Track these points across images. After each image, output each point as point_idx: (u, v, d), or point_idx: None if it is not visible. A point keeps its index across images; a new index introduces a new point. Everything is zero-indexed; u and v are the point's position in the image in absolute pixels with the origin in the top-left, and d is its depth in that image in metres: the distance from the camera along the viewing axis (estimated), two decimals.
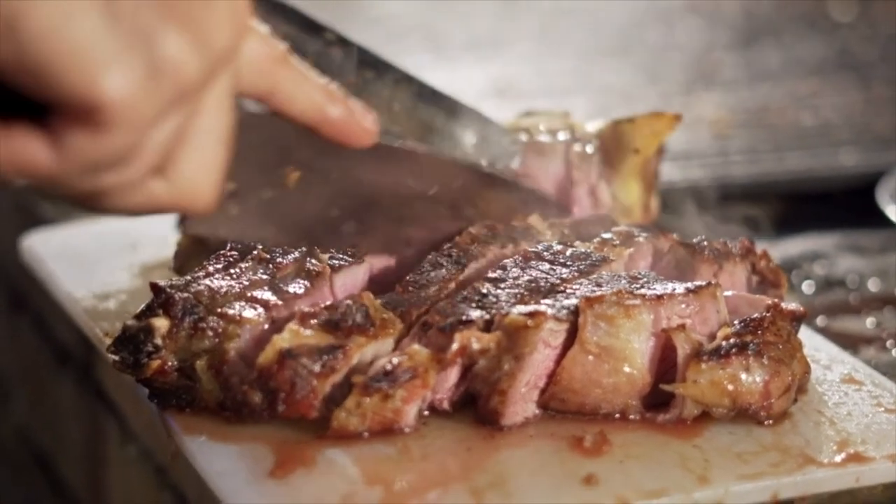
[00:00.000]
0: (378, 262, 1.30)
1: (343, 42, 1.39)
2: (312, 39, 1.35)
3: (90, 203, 0.98)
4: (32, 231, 1.63)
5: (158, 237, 1.54)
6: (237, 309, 1.19)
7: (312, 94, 1.06)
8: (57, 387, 1.78)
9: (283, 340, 1.15)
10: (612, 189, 1.46)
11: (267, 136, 1.14)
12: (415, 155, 1.28)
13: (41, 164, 0.92)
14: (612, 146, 1.45)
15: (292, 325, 1.16)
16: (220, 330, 1.18)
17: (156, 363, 1.18)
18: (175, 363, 1.18)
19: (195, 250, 1.36)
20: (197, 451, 1.15)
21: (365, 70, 1.33)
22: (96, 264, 1.50)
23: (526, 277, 1.24)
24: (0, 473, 2.13)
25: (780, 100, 2.22)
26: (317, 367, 1.14)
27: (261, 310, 1.20)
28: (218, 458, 1.14)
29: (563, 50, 2.53)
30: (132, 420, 1.48)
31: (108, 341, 1.24)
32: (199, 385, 1.18)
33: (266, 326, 1.19)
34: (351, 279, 1.27)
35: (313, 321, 1.17)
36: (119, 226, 1.63)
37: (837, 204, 1.85)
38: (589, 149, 1.45)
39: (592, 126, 1.48)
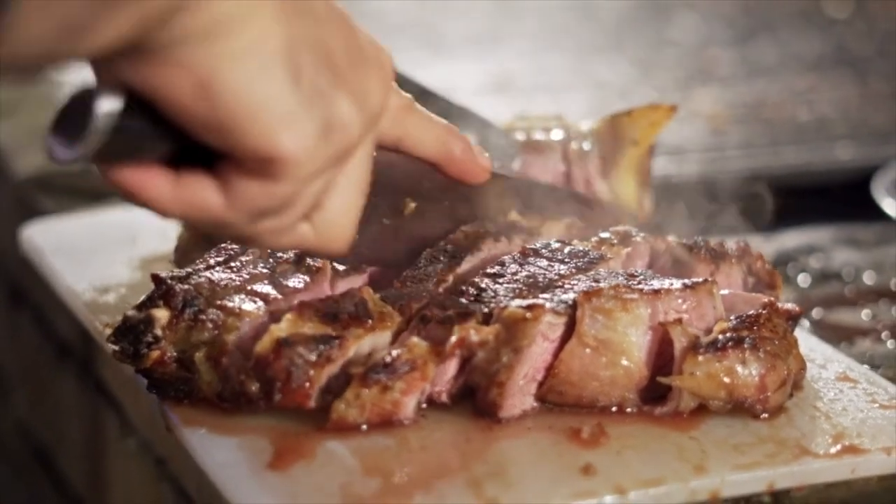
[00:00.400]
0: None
1: None
2: None
3: (248, 243, 1.07)
4: (32, 224, 1.63)
5: (158, 230, 1.55)
6: (237, 302, 1.20)
7: (439, 136, 1.17)
8: (57, 382, 1.79)
9: (280, 330, 1.16)
10: (609, 184, 1.47)
11: (389, 175, 1.22)
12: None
13: (213, 208, 1.00)
14: (610, 141, 1.46)
15: (290, 316, 1.17)
16: (219, 322, 1.19)
17: (155, 354, 1.19)
18: (174, 354, 1.19)
19: (196, 244, 1.36)
20: (196, 443, 1.15)
21: None
22: (96, 257, 1.51)
23: (524, 273, 1.25)
24: (0, 468, 2.14)
25: (776, 95, 2.23)
26: (313, 357, 1.15)
27: (260, 303, 1.20)
28: (218, 450, 1.14)
29: (560, 46, 2.54)
30: (131, 413, 1.49)
31: (109, 332, 1.24)
32: (197, 376, 1.19)
33: (265, 319, 1.19)
34: (351, 277, 1.27)
35: (311, 312, 1.17)
36: (118, 218, 1.64)
37: (833, 197, 1.86)
38: (586, 145, 1.46)
39: (586, 125, 1.49)
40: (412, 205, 1.29)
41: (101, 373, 1.61)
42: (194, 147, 0.98)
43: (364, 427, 1.15)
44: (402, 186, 1.28)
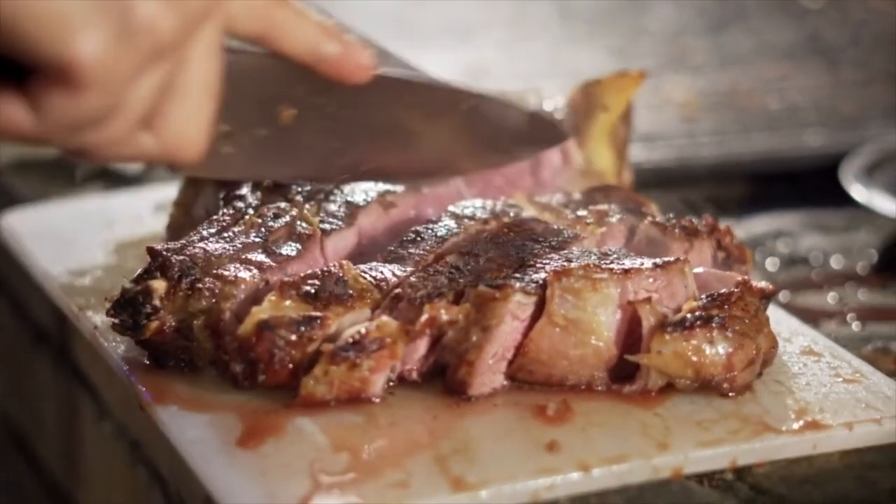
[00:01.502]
0: (368, 225, 1.33)
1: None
2: None
3: (81, 156, 1.01)
4: (10, 210, 1.65)
5: (134, 215, 1.57)
6: (232, 270, 1.22)
7: (308, 33, 1.09)
8: (33, 366, 1.80)
9: (261, 311, 1.17)
10: (585, 154, 1.49)
11: (259, 75, 1.15)
12: (412, 84, 1.30)
13: (23, 125, 0.95)
14: (582, 108, 1.49)
15: (272, 296, 1.18)
16: (216, 290, 1.20)
17: (154, 324, 1.21)
18: (173, 324, 1.21)
19: (187, 221, 1.38)
20: (168, 420, 1.17)
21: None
22: (72, 242, 1.53)
23: (498, 252, 1.26)
24: None
25: (748, 83, 2.25)
26: (294, 338, 1.16)
27: (255, 271, 1.22)
28: (189, 427, 1.16)
29: (536, 35, 2.55)
30: (106, 397, 1.50)
31: (84, 315, 1.26)
32: (195, 344, 1.21)
33: (261, 286, 1.22)
34: (342, 242, 1.30)
35: (293, 292, 1.19)
36: (95, 204, 1.66)
37: (803, 183, 1.88)
38: (558, 115, 1.48)
39: (562, 96, 1.51)
40: (289, 112, 1.21)
41: (76, 357, 1.62)
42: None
43: (332, 403, 1.17)
44: (274, 91, 1.19)
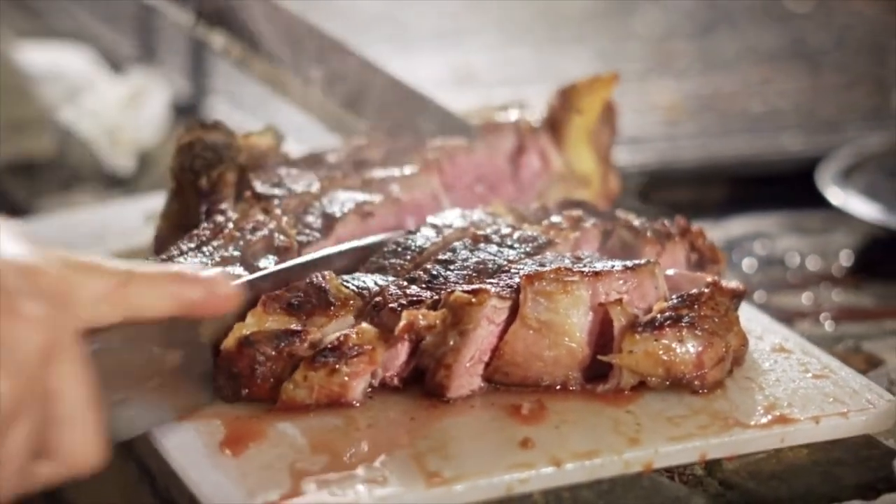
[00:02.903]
0: (346, 235, 1.35)
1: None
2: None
3: None
4: (2, 215, 1.67)
5: (126, 228, 1.60)
6: None
7: (166, 292, 1.08)
8: None
9: (244, 327, 1.21)
10: (564, 158, 1.52)
11: (130, 341, 1.14)
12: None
13: None
14: (559, 113, 1.52)
15: (256, 310, 1.22)
16: None
17: None
18: None
19: (173, 233, 1.40)
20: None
21: (329, 57, 1.38)
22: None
23: (474, 259, 1.29)
24: None
25: (731, 87, 2.28)
26: (273, 353, 1.20)
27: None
28: (174, 432, 1.19)
29: (523, 39, 2.58)
30: None
31: None
32: None
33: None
34: (317, 251, 1.32)
35: (276, 305, 1.22)
36: (88, 217, 1.69)
37: (781, 185, 1.90)
38: (537, 123, 1.51)
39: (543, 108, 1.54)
40: (174, 355, 1.19)
41: None
42: None
43: (312, 408, 1.20)
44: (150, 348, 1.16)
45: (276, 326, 1.21)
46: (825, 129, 2.05)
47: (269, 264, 1.28)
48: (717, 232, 1.75)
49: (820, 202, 1.76)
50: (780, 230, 1.79)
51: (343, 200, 1.38)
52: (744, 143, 2.01)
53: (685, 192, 1.90)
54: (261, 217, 1.34)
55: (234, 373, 1.20)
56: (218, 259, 1.28)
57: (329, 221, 1.35)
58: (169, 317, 1.09)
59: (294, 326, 1.21)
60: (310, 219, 1.35)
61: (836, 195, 1.75)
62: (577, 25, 2.64)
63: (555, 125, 1.52)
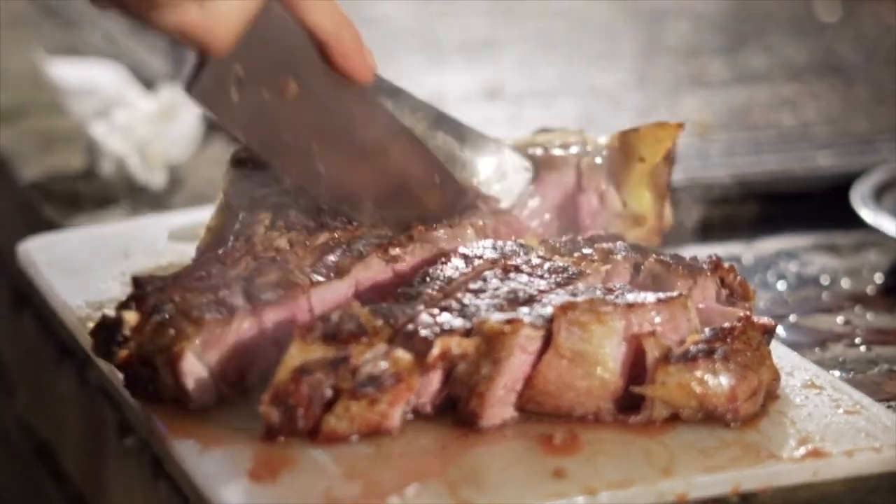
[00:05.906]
0: (367, 279, 1.35)
1: None
2: None
3: (136, 10, 1.07)
4: (34, 231, 1.68)
5: (149, 246, 1.60)
6: (202, 311, 1.25)
7: (335, 12, 1.15)
8: (58, 379, 1.83)
9: (293, 358, 1.21)
10: (622, 196, 1.51)
11: (280, 40, 1.20)
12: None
13: None
14: (620, 156, 1.51)
15: (297, 342, 1.21)
16: (180, 330, 1.24)
17: (124, 353, 1.25)
18: (140, 356, 1.25)
19: (214, 247, 1.39)
20: (185, 454, 1.21)
21: (382, 99, 1.37)
22: (89, 272, 1.55)
23: (505, 289, 1.30)
24: (2, 463, 2.18)
25: (763, 101, 2.27)
26: (331, 380, 1.20)
27: (225, 314, 1.25)
28: (205, 461, 1.20)
29: (553, 52, 2.57)
30: (129, 412, 1.53)
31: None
32: (160, 378, 1.25)
33: (219, 331, 1.25)
34: (331, 294, 1.32)
35: (313, 335, 1.22)
36: (112, 232, 1.69)
37: (814, 204, 1.89)
38: (598, 160, 1.50)
39: (604, 139, 1.53)
40: (293, 85, 1.25)
41: (100, 373, 1.65)
42: None
43: (354, 438, 1.21)
44: (286, 61, 1.23)
45: (320, 356, 1.21)
46: (858, 147, 2.04)
47: (272, 297, 1.28)
48: (749, 252, 1.74)
49: (853, 221, 1.75)
50: (812, 250, 1.78)
51: (365, 241, 1.36)
52: (775, 160, 2.00)
53: (715, 210, 1.89)
54: (282, 245, 1.33)
55: (291, 405, 1.20)
56: (223, 285, 1.27)
57: (348, 262, 1.33)
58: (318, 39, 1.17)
59: (339, 354, 1.21)
60: (331, 257, 1.34)
61: (869, 215, 1.74)
62: (607, 40, 2.64)
63: (614, 168, 1.50)
